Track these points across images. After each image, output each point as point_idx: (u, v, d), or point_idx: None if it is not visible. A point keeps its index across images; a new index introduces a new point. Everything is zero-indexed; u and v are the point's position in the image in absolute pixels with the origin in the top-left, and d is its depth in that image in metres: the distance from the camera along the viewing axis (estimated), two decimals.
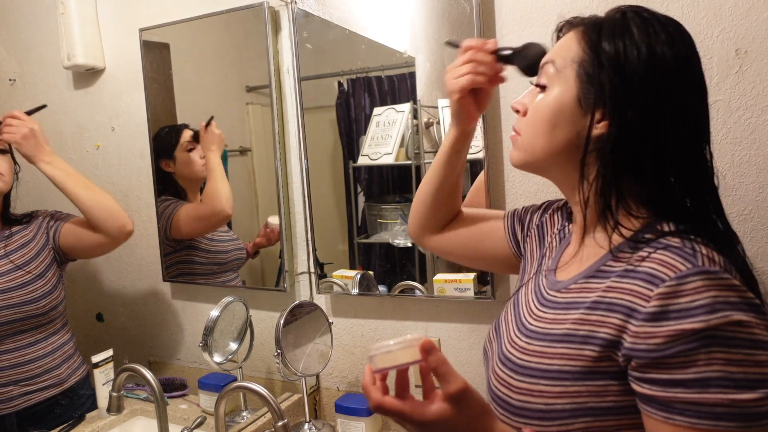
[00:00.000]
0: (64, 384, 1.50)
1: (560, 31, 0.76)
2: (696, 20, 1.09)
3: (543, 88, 0.73)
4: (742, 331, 0.56)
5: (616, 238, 0.68)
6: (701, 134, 0.70)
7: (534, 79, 0.76)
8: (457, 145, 0.92)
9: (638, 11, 0.69)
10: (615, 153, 0.67)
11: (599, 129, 0.68)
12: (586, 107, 0.69)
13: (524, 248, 0.92)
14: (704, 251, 0.62)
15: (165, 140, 1.67)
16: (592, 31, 0.69)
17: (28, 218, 1.52)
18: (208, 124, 1.58)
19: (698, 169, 0.69)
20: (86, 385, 1.56)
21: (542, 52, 0.77)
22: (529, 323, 0.74)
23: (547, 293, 0.75)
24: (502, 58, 0.83)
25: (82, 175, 1.46)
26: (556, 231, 0.87)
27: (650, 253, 0.63)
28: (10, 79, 1.99)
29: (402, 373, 0.65)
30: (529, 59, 0.80)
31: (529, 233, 0.92)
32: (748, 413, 0.55)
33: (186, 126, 1.65)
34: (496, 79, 0.85)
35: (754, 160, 1.08)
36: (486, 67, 0.83)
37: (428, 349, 0.60)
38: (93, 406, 1.52)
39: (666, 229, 0.67)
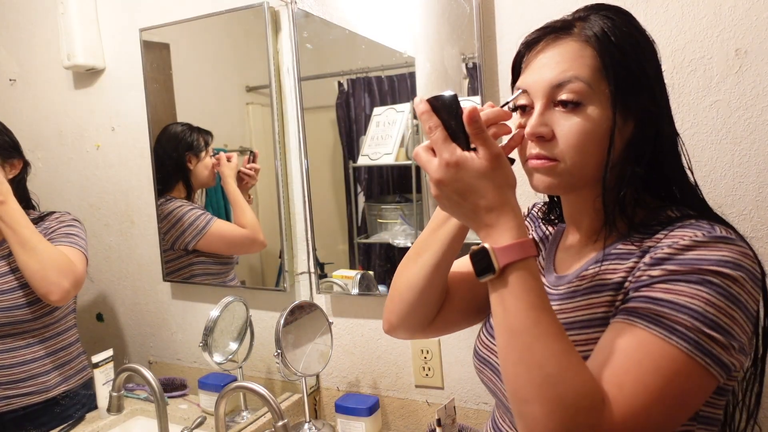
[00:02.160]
0: (50, 392, 1.47)
1: (535, 43, 0.72)
2: (696, 20, 1.09)
3: (575, 105, 0.67)
4: (733, 287, 0.59)
5: (623, 226, 0.71)
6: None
7: (525, 99, 0.71)
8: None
9: (602, 6, 0.71)
10: (645, 148, 0.69)
11: (627, 131, 0.69)
12: (624, 115, 0.68)
13: None
14: (719, 227, 0.65)
15: (198, 138, 1.65)
16: (595, 36, 0.68)
17: (40, 220, 1.50)
18: (253, 159, 1.60)
19: (680, 158, 0.74)
20: (77, 396, 1.53)
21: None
22: None
23: (554, 289, 0.76)
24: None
25: (29, 228, 1.39)
26: (534, 237, 0.88)
27: (669, 232, 0.66)
28: (10, 79, 1.99)
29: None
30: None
31: None
32: (703, 345, 0.58)
33: (210, 135, 1.66)
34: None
35: (754, 159, 1.08)
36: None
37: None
38: (82, 413, 1.51)
39: (675, 215, 0.69)
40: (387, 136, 1.43)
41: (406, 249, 1.44)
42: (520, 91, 0.71)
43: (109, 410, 1.33)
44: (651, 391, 0.57)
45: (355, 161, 1.49)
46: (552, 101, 0.68)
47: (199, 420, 1.42)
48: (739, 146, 1.09)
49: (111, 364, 1.51)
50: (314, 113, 1.52)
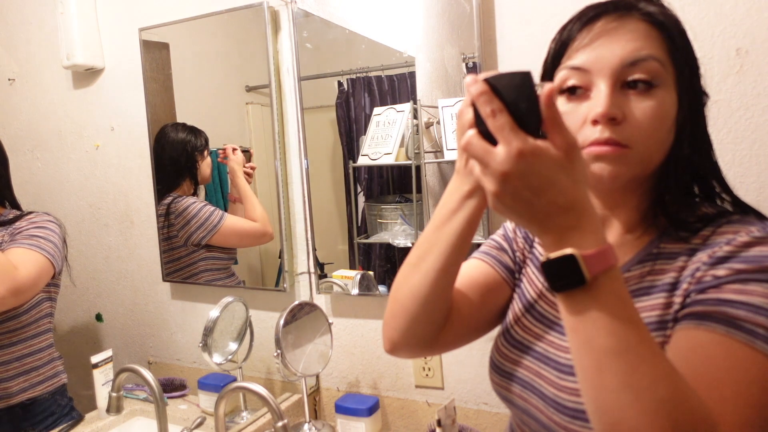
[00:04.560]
0: (11, 399, 1.42)
1: (594, 19, 0.66)
2: (696, 20, 1.09)
3: (648, 86, 0.63)
4: None
5: (662, 223, 0.68)
6: None
7: (578, 79, 0.66)
8: (479, 212, 0.67)
9: None
10: (695, 133, 0.68)
11: (681, 118, 0.67)
12: (682, 100, 0.66)
13: (521, 272, 0.83)
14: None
15: (202, 138, 1.67)
16: (660, 16, 0.66)
17: (17, 219, 1.45)
18: (246, 152, 1.61)
19: (713, 149, 0.72)
20: (45, 403, 1.49)
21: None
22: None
23: None
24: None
25: None
26: None
27: (716, 228, 0.63)
28: (9, 79, 1.99)
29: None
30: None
31: (517, 252, 0.84)
32: None
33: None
34: None
35: (755, 159, 1.08)
36: None
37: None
38: (51, 425, 1.47)
39: (710, 212, 0.67)
40: (387, 136, 1.43)
41: (406, 249, 1.45)
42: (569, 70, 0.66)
43: (108, 411, 1.33)
44: (753, 404, 0.53)
45: (355, 161, 1.49)
46: (621, 81, 0.64)
47: (198, 420, 1.41)
48: (739, 146, 1.09)
49: (110, 365, 1.51)
50: (314, 113, 1.52)
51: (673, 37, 0.65)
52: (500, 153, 0.52)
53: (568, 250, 0.52)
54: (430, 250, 0.70)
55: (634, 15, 0.65)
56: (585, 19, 0.67)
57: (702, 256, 0.61)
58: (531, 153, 0.51)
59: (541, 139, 0.52)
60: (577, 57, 0.66)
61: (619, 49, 0.63)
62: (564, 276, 0.53)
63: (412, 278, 0.72)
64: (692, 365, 0.55)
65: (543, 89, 0.52)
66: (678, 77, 0.65)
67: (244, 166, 1.61)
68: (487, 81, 0.53)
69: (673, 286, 0.63)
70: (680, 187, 0.67)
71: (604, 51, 0.64)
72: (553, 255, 0.53)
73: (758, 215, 0.66)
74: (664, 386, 0.51)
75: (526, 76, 0.53)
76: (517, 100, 0.53)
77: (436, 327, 0.75)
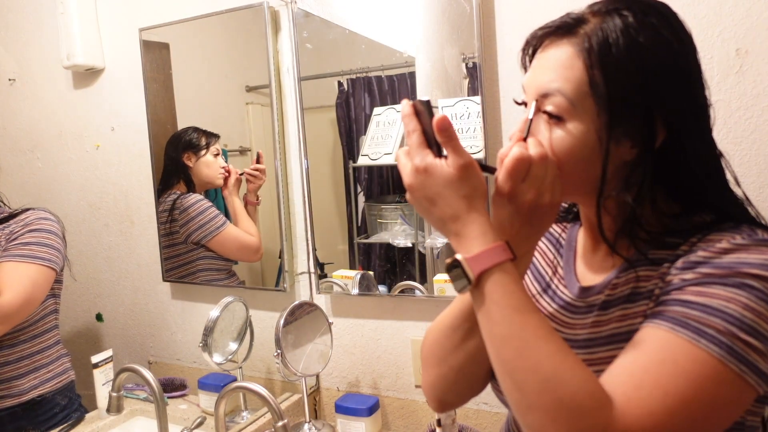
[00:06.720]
0: (23, 396, 1.42)
1: (535, 46, 0.68)
2: (696, 20, 1.09)
3: (557, 119, 0.64)
4: None
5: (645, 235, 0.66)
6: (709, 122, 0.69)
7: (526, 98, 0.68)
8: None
9: (625, 4, 0.63)
10: (637, 175, 0.64)
11: (624, 153, 0.64)
12: (616, 138, 0.63)
13: None
14: (761, 231, 0.61)
15: (197, 138, 1.67)
16: (589, 47, 0.62)
17: (12, 217, 1.42)
18: (258, 160, 1.61)
19: (716, 158, 0.68)
20: (55, 399, 1.49)
21: None
22: (569, 334, 0.70)
23: (581, 301, 0.72)
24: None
25: None
26: (545, 243, 0.83)
27: (703, 236, 0.62)
28: (10, 79, 1.99)
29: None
30: None
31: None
32: (737, 351, 0.54)
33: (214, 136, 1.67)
34: None
35: (755, 159, 1.08)
36: None
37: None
38: (61, 422, 1.48)
39: (706, 219, 0.65)
40: (387, 136, 1.43)
41: (406, 249, 1.45)
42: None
43: (108, 410, 1.33)
44: (673, 395, 0.54)
45: (355, 161, 1.49)
46: (539, 107, 0.65)
47: (198, 420, 1.42)
48: (739, 146, 1.09)
49: (111, 364, 1.51)
50: (314, 113, 1.52)
51: (598, 71, 0.61)
52: (407, 167, 0.64)
53: (457, 256, 0.61)
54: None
55: (572, 37, 0.63)
56: (537, 34, 0.68)
57: (679, 262, 0.61)
58: (424, 169, 0.62)
59: (441, 158, 0.62)
60: (525, 76, 0.70)
61: (539, 76, 0.66)
62: (456, 277, 0.61)
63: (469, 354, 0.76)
64: (629, 356, 0.58)
65: (435, 117, 0.61)
66: (601, 110, 0.61)
67: (251, 167, 1.61)
68: (413, 104, 0.64)
69: (653, 293, 0.63)
70: (649, 210, 0.66)
71: (532, 76, 0.68)
72: (447, 260, 0.62)
73: (754, 224, 0.64)
74: (546, 367, 0.56)
75: (426, 103, 0.63)
76: (425, 124, 0.63)
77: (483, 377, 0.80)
